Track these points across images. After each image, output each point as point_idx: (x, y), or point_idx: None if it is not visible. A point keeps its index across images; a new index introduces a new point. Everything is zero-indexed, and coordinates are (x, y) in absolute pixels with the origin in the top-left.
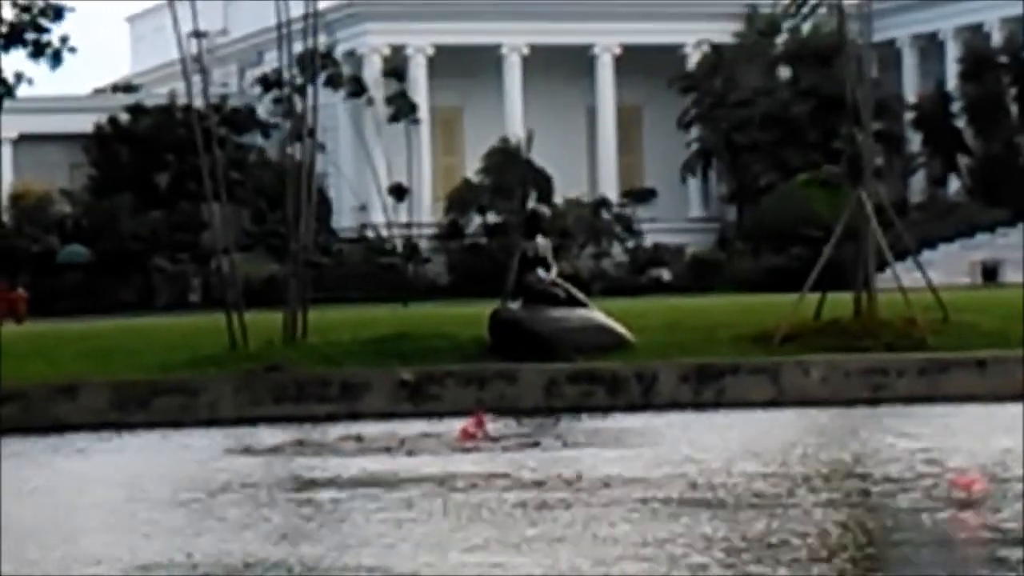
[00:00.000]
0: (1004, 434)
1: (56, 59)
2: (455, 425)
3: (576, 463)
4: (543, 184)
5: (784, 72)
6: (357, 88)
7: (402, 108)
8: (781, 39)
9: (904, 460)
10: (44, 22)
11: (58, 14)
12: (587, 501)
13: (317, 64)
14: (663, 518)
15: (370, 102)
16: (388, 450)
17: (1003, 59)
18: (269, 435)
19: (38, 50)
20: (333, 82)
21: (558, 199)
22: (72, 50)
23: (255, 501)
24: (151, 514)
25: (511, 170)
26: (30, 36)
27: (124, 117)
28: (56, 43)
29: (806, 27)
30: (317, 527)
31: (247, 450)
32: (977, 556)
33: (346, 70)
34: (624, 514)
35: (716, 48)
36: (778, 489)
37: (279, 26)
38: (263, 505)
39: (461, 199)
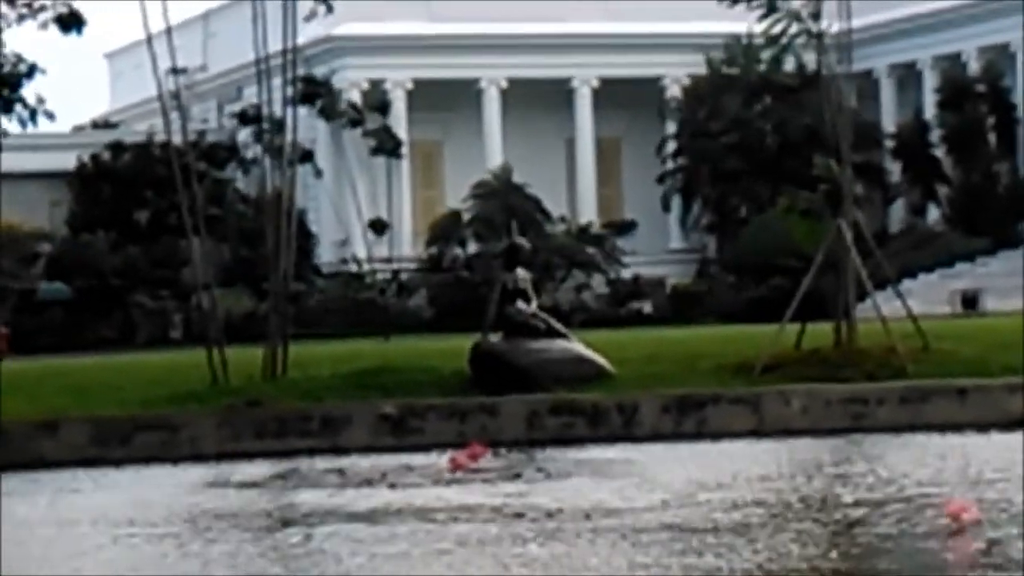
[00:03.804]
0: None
1: (32, 118)
2: (437, 458)
3: (558, 494)
4: (534, 214)
5: (762, 102)
6: (356, 117)
7: (385, 143)
8: (760, 68)
9: (880, 488)
10: (19, 79)
11: (30, 72)
12: (568, 532)
13: (296, 99)
14: (642, 548)
15: (366, 134)
16: (370, 483)
17: (981, 88)
18: (250, 470)
19: (8, 106)
20: (326, 112)
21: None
22: (49, 115)
23: (236, 535)
24: (132, 548)
25: (500, 199)
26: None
27: (106, 154)
28: (32, 102)
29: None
30: (298, 559)
31: (228, 484)
32: None
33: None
34: (604, 544)
35: (701, 77)
36: (760, 519)
37: (258, 61)
38: (244, 539)
39: (444, 231)
